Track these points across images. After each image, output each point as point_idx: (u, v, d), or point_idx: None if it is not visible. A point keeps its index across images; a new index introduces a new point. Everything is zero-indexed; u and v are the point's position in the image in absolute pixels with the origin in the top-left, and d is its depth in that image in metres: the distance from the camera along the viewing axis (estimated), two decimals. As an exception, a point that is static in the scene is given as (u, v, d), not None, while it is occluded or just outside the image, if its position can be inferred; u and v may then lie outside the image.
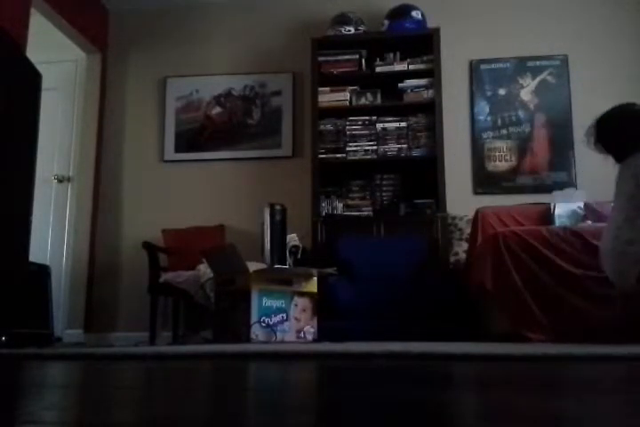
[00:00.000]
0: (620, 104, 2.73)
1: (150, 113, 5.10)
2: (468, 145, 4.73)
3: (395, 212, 4.44)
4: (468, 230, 4.14)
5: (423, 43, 4.55)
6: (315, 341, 3.22)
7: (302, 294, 3.25)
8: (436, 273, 3.99)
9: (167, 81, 5.10)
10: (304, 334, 3.22)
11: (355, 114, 4.61)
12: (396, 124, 4.54)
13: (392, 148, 4.51)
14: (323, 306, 3.37)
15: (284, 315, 3.16)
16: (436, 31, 4.56)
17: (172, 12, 5.19)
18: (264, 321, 3.07)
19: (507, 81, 4.77)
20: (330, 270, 3.42)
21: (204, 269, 3.79)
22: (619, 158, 2.67)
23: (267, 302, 3.11)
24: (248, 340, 2.97)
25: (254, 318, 3.04)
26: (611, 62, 4.68)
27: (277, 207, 3.30)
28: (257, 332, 3.04)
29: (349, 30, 4.67)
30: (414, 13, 4.64)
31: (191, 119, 5.03)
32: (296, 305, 3.22)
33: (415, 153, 4.49)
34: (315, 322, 3.27)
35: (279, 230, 3.29)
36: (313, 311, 3.27)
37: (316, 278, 3.32)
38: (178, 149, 5.00)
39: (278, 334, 3.09)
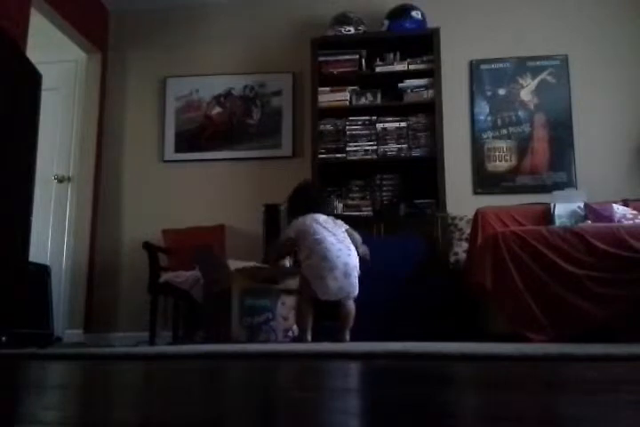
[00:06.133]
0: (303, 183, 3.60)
1: (150, 113, 5.09)
2: (468, 145, 4.73)
3: (395, 212, 4.43)
4: (467, 230, 4.13)
5: (423, 43, 4.54)
6: (313, 340, 3.19)
7: (290, 292, 3.18)
8: (435, 273, 3.98)
9: (167, 81, 5.10)
10: (292, 333, 3.17)
11: (355, 114, 4.60)
12: (396, 125, 4.54)
13: (392, 148, 4.51)
14: (322, 306, 3.35)
15: (270, 314, 3.10)
16: (436, 31, 4.56)
17: (172, 12, 5.18)
18: (246, 321, 3.02)
19: (507, 81, 4.77)
20: None
21: (204, 269, 3.78)
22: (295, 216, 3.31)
23: (249, 301, 3.06)
24: (228, 340, 2.93)
25: (235, 317, 3.00)
26: (611, 62, 4.68)
27: (281, 208, 3.29)
28: (239, 331, 3.00)
29: (349, 30, 4.67)
30: (414, 13, 4.63)
31: (191, 119, 5.03)
32: (283, 304, 3.15)
33: (415, 153, 4.49)
34: None
35: (279, 230, 3.28)
36: None
37: None
38: (178, 149, 5.00)
39: (263, 333, 3.05)
